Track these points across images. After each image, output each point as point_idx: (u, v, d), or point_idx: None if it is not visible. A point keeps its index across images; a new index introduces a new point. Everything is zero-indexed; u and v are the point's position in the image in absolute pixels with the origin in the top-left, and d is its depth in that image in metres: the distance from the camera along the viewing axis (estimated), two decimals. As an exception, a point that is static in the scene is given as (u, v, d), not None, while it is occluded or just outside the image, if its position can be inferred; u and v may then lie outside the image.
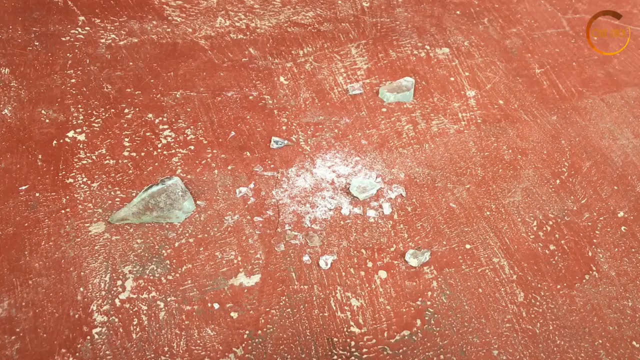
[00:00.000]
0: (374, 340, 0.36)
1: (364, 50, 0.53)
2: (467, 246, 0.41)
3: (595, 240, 0.41)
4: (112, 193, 0.42)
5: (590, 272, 0.40)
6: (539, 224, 0.42)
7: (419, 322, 0.37)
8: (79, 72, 0.50)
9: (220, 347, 0.35)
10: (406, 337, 0.36)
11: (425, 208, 0.42)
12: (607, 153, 0.46)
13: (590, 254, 0.41)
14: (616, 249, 0.41)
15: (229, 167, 0.44)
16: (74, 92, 0.48)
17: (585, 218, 0.42)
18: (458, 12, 0.57)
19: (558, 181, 0.44)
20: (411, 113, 0.44)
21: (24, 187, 0.42)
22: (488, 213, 0.42)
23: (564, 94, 0.50)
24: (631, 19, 0.53)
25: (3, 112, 0.46)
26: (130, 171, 0.43)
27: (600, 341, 0.37)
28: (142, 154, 0.44)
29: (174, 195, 0.40)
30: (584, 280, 0.39)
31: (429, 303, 0.38)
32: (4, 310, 0.36)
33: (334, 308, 0.37)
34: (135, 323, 0.36)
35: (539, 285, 0.39)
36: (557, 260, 0.40)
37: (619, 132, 0.48)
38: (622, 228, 0.42)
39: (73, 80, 0.49)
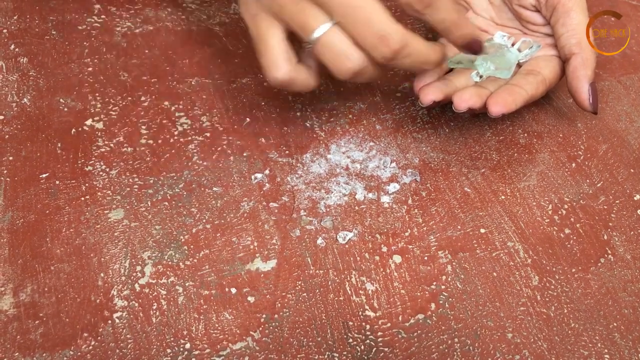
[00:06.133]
0: (388, 324, 0.37)
1: (378, 35, 0.53)
2: (482, 230, 0.41)
3: (610, 224, 0.41)
4: (130, 180, 0.43)
5: (606, 255, 0.40)
6: (554, 207, 0.42)
7: (433, 305, 0.37)
8: (95, 60, 0.50)
9: (238, 331, 0.36)
10: (420, 321, 0.37)
11: (440, 193, 0.43)
12: (623, 136, 0.46)
13: (605, 237, 0.41)
14: (632, 232, 0.41)
15: (245, 154, 0.45)
16: (91, 80, 0.49)
17: (601, 201, 0.42)
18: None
19: (574, 164, 0.44)
20: (425, 97, 0.44)
21: (44, 175, 0.43)
22: (503, 197, 0.42)
23: (581, 76, 0.49)
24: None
25: (23, 101, 0.47)
26: (148, 158, 0.44)
27: (615, 324, 0.37)
28: (159, 141, 0.45)
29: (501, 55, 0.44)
30: (599, 264, 0.39)
31: (443, 287, 0.38)
32: (28, 296, 0.37)
33: (349, 292, 0.38)
34: (154, 307, 0.37)
35: (554, 269, 0.39)
36: (572, 244, 0.40)
37: (636, 115, 0.47)
38: (638, 211, 0.42)
39: (90, 69, 0.50)
